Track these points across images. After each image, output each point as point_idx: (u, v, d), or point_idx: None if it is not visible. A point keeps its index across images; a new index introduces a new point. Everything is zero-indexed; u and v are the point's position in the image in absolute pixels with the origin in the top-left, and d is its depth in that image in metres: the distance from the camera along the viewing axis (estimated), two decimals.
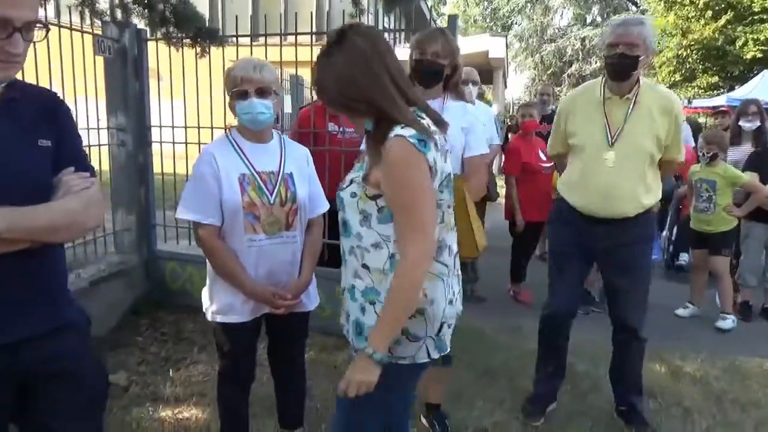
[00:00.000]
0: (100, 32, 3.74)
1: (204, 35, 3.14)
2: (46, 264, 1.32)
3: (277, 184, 1.97)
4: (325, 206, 2.21)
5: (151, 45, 3.98)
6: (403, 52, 2.30)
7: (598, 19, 28.30)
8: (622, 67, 2.42)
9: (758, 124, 4.64)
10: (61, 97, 1.43)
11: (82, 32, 3.56)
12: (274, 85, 1.96)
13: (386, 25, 11.99)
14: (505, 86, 18.55)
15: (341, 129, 3.82)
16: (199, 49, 3.20)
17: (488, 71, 15.54)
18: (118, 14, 3.08)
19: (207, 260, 2.03)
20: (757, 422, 2.86)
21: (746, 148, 4.65)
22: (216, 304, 2.04)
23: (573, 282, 2.75)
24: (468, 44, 14.29)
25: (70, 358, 1.38)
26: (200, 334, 3.62)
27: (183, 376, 3.10)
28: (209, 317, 2.07)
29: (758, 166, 4.27)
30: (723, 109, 6.30)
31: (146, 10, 2.93)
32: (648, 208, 2.58)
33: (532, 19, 29.01)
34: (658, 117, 2.48)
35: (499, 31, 28.89)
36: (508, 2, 30.72)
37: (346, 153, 3.46)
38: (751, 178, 4.17)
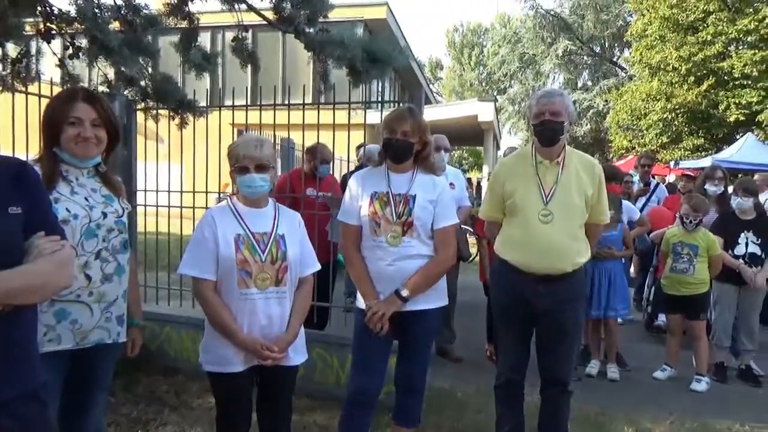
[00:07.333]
0: None
1: (184, 108, 3.35)
2: (19, 328, 1.36)
3: (269, 243, 2.17)
4: (315, 266, 2.36)
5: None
6: None
7: (589, 83, 29.23)
8: (550, 133, 2.62)
9: (722, 189, 4.82)
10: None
11: None
12: (271, 160, 2.21)
13: (379, 96, 12.44)
14: (497, 147, 19.00)
15: (318, 194, 4.01)
16: (178, 120, 3.40)
17: (479, 133, 16.01)
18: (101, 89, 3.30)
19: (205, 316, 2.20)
20: None
21: (711, 213, 4.81)
22: (210, 354, 2.21)
23: (519, 341, 2.83)
24: (458, 109, 14.82)
25: None
26: (173, 395, 3.65)
27: None
28: (204, 368, 2.23)
29: (723, 228, 4.48)
30: (689, 173, 6.60)
31: (129, 87, 3.14)
32: (581, 265, 2.72)
33: (524, 84, 30.01)
34: (584, 177, 2.68)
35: (494, 94, 29.87)
36: (500, 68, 31.89)
37: (319, 216, 3.64)
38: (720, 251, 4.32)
